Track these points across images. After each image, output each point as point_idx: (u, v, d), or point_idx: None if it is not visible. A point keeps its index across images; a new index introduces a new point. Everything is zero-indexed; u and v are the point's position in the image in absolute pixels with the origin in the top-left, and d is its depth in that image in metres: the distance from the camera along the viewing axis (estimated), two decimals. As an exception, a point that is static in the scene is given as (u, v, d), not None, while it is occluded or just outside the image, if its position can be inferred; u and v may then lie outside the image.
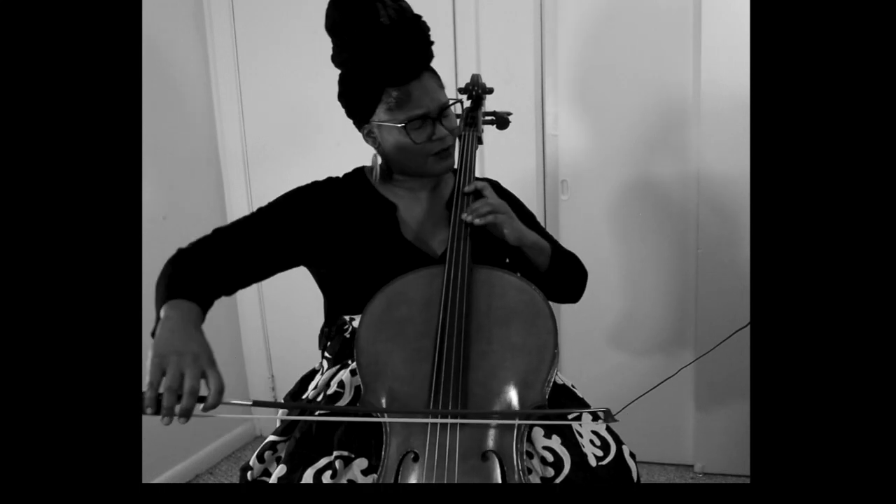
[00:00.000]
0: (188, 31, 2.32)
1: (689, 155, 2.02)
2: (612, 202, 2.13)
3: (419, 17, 1.13)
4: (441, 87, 1.16)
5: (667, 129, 2.04)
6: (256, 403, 0.90)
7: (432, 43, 1.13)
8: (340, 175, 1.26)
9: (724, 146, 1.93)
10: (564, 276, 1.24)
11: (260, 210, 1.18)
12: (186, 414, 0.82)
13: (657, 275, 2.14)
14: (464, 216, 1.10)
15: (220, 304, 1.09)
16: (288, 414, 1.20)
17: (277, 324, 2.53)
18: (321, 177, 1.24)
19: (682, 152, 2.03)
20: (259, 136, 2.40)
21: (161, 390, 0.82)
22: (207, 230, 1.14)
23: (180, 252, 1.09)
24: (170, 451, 2.21)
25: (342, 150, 2.15)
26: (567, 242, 1.30)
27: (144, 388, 0.83)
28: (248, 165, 2.43)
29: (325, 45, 1.16)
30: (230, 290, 1.11)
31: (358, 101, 1.14)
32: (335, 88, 1.17)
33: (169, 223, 2.16)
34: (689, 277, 2.10)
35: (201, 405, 0.84)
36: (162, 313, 0.94)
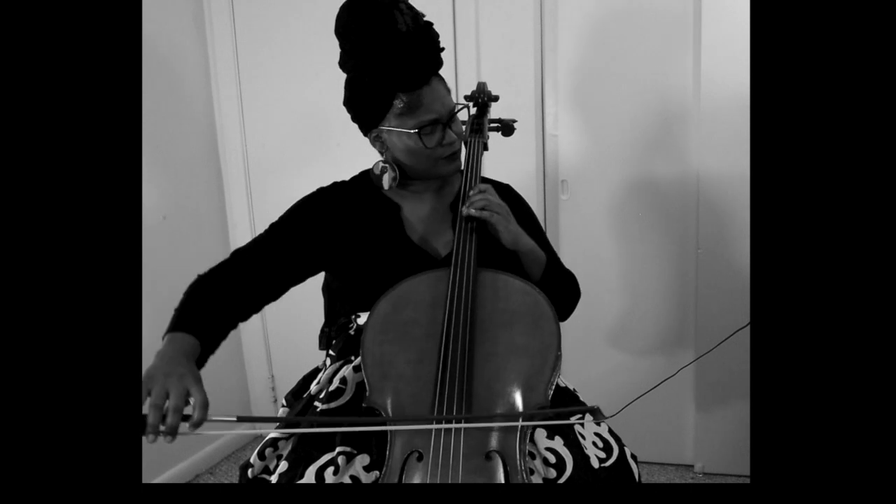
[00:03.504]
0: (188, 31, 2.32)
1: (689, 155, 2.02)
2: (612, 202, 2.13)
3: (431, 23, 1.12)
4: (448, 91, 1.16)
5: (667, 129, 2.03)
6: (241, 419, 0.88)
7: (443, 49, 1.14)
8: (347, 179, 1.26)
9: (724, 146, 1.93)
10: (555, 292, 1.15)
11: (273, 226, 1.18)
12: (172, 432, 0.83)
13: (657, 275, 2.14)
14: (462, 208, 1.11)
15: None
16: (282, 424, 1.19)
17: (277, 324, 2.53)
18: (321, 177, 1.25)
19: (682, 152, 2.03)
20: (259, 136, 2.40)
21: (145, 410, 0.83)
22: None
23: (198, 280, 1.09)
24: (170, 451, 2.21)
25: (342, 150, 2.16)
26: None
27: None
28: (248, 165, 2.43)
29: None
30: (251, 312, 1.12)
31: (367, 106, 1.13)
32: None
33: (169, 223, 2.15)
34: (689, 277, 2.10)
35: (187, 423, 0.85)
36: (162, 345, 0.95)
